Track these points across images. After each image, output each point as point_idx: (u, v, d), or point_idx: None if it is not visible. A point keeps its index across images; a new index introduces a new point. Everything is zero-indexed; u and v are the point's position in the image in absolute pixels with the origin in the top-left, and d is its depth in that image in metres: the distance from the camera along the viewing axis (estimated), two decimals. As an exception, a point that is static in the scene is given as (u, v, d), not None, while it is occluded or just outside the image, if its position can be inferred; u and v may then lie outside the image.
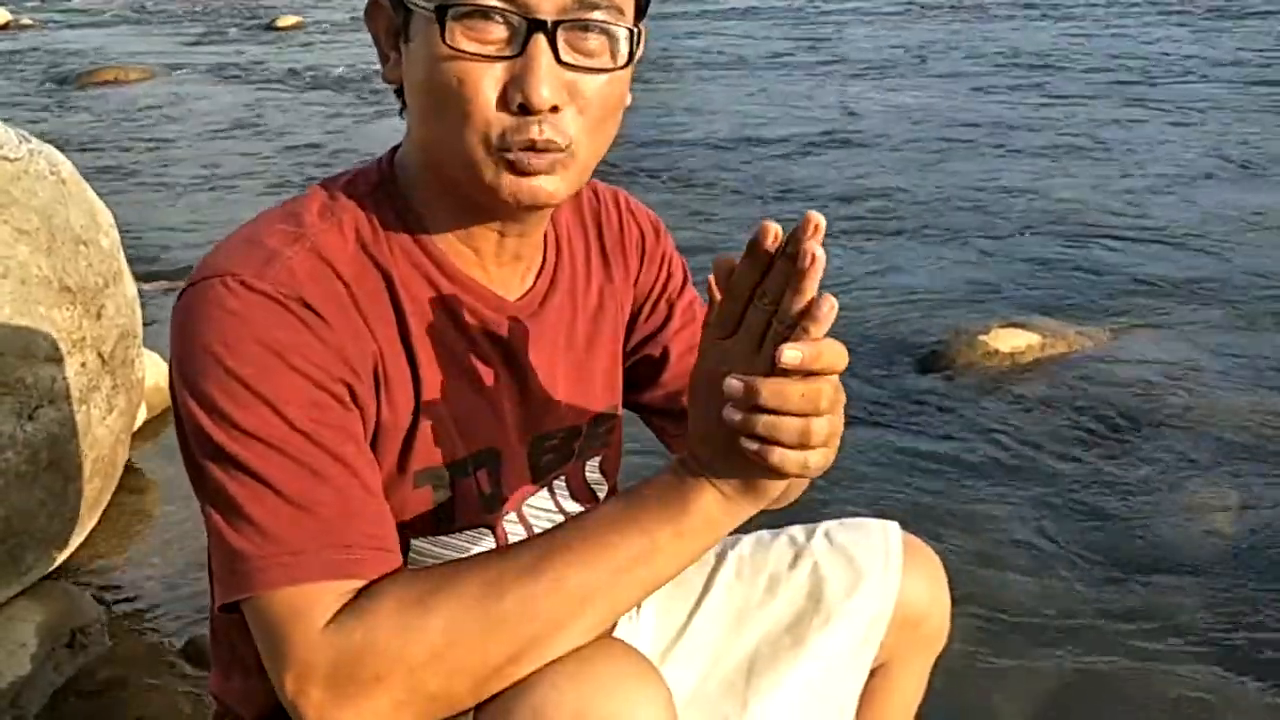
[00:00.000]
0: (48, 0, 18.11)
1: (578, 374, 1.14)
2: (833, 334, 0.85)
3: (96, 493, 2.32)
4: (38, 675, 2.01)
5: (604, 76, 0.96)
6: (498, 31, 0.92)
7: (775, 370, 0.83)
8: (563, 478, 1.17)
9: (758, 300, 0.86)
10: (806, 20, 13.81)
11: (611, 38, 0.95)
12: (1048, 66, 9.55)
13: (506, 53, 0.92)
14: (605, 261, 1.18)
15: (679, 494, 0.90)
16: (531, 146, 0.93)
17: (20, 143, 2.15)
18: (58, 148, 2.32)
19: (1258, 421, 3.06)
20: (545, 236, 1.11)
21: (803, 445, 0.84)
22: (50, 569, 2.23)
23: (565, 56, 0.93)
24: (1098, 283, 4.24)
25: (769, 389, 0.83)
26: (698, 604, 1.33)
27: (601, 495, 1.22)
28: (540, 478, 1.14)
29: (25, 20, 16.50)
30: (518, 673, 0.88)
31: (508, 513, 1.10)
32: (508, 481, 1.09)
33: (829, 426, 0.85)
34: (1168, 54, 9.95)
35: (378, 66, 1.04)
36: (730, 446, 0.86)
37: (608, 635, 0.94)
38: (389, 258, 1.01)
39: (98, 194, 2.41)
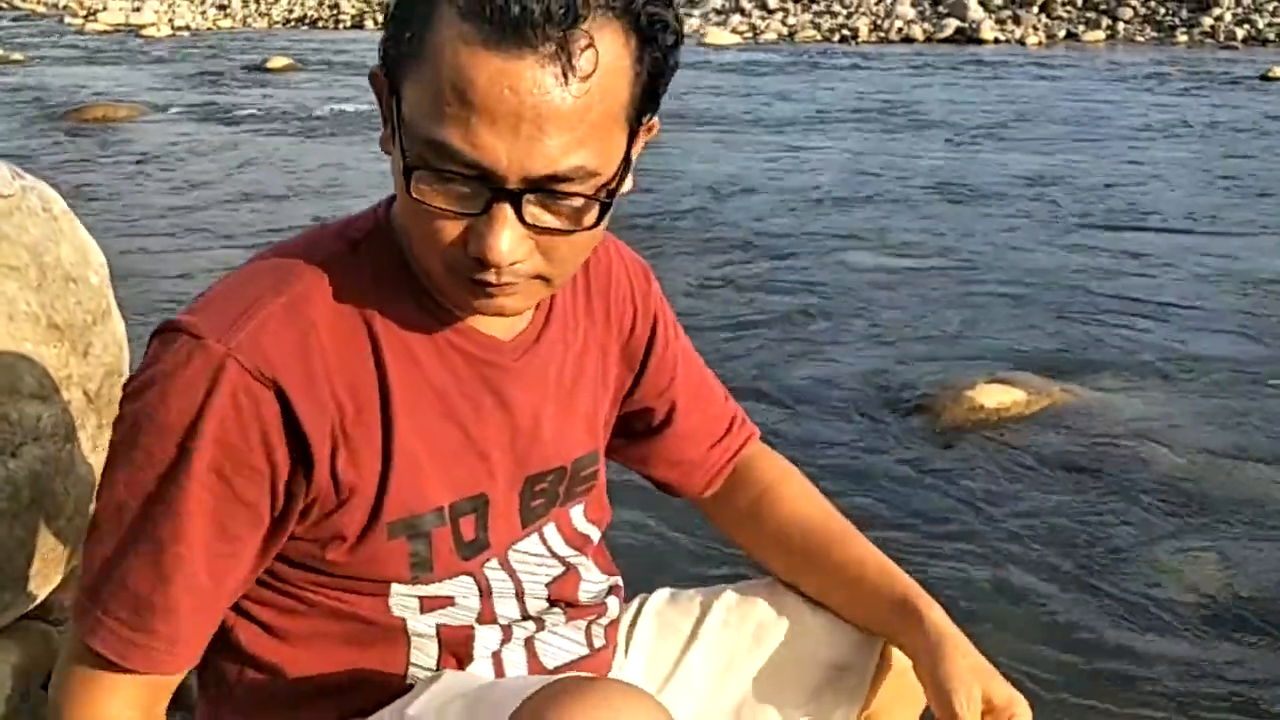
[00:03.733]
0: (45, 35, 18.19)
1: (564, 414, 1.14)
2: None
3: (77, 532, 2.29)
4: (12, 718, 1.98)
5: (571, 235, 0.93)
6: (462, 187, 0.89)
7: None
8: (552, 523, 1.16)
9: None
10: (805, 73, 13.95)
11: (575, 208, 0.92)
12: (1044, 127, 9.65)
13: (470, 209, 0.90)
14: (589, 304, 1.18)
15: None
16: (492, 285, 0.93)
17: (13, 179, 2.15)
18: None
19: (1236, 482, 3.08)
20: None
21: None
22: (28, 608, 2.20)
23: (529, 219, 0.90)
24: (1083, 341, 4.27)
25: None
26: (684, 650, 1.32)
27: (596, 540, 1.22)
28: (529, 522, 1.13)
29: (15, 56, 16.55)
30: None
31: (489, 559, 1.10)
32: (495, 526, 1.09)
33: None
34: (1154, 117, 10.08)
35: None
36: None
37: (619, 680, 0.94)
38: (375, 303, 1.01)
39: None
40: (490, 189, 0.88)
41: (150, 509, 0.95)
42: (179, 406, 0.94)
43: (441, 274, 0.96)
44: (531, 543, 1.14)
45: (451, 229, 0.91)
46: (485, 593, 1.09)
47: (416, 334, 1.02)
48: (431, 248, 0.93)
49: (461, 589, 1.08)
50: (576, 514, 1.20)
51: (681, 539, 2.75)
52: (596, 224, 0.93)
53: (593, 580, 1.20)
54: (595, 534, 1.22)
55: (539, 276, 0.95)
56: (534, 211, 0.90)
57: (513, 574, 1.12)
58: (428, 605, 1.07)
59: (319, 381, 0.97)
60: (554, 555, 1.16)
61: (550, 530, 1.16)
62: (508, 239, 0.89)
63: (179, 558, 0.96)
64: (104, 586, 0.97)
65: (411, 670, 1.08)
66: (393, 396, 1.00)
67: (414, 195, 0.90)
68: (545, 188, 0.88)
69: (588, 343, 1.17)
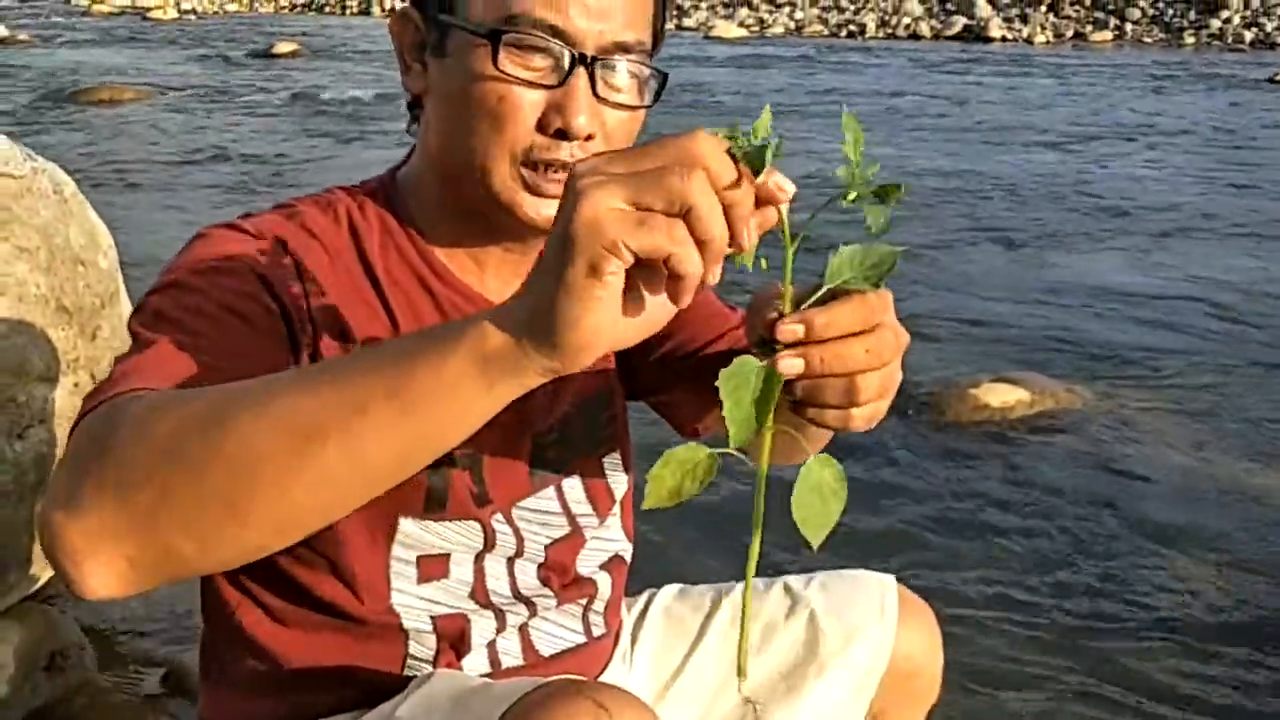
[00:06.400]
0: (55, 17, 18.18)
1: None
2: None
3: (82, 514, 2.29)
4: (14, 698, 1.98)
5: (629, 112, 1.02)
6: (541, 60, 0.97)
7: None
8: (577, 477, 1.15)
9: None
10: (819, 69, 13.93)
11: (639, 79, 1.02)
12: (1050, 126, 9.64)
13: (548, 81, 0.97)
14: None
15: (471, 325, 0.71)
16: (562, 167, 0.98)
17: (24, 160, 2.15)
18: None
19: (1241, 486, 3.08)
20: None
21: (850, 403, 0.78)
22: (32, 590, 2.20)
23: (600, 91, 0.99)
24: (1089, 342, 4.27)
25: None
26: (692, 649, 1.32)
27: (619, 495, 1.20)
28: (545, 475, 1.12)
29: (21, 36, 16.53)
30: (242, 534, 0.73)
31: (494, 512, 1.09)
32: (494, 484, 1.08)
33: (879, 380, 0.78)
34: (1162, 119, 10.07)
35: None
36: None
37: (608, 683, 0.92)
38: (378, 253, 1.05)
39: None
40: (569, 56, 0.96)
41: (188, 316, 0.91)
42: (212, 254, 0.97)
43: (501, 170, 0.99)
44: (541, 499, 1.13)
45: (528, 110, 0.97)
46: (489, 545, 1.08)
47: (418, 288, 1.06)
48: (500, 136, 0.98)
49: (464, 537, 1.07)
50: (612, 464, 1.19)
51: (697, 534, 2.75)
52: (654, 100, 1.03)
53: (599, 546, 1.19)
54: (623, 484, 1.21)
55: None
56: (602, 83, 0.98)
57: (516, 530, 1.11)
58: (424, 572, 1.06)
59: (328, 275, 1.01)
60: (565, 513, 1.15)
61: (573, 483, 1.15)
62: (586, 105, 0.97)
63: (211, 345, 0.89)
64: (134, 357, 0.88)
65: (409, 663, 1.07)
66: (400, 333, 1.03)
67: (499, 68, 0.96)
68: (614, 56, 0.98)
69: None
